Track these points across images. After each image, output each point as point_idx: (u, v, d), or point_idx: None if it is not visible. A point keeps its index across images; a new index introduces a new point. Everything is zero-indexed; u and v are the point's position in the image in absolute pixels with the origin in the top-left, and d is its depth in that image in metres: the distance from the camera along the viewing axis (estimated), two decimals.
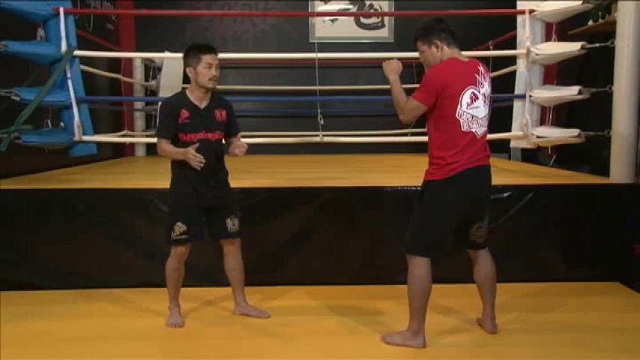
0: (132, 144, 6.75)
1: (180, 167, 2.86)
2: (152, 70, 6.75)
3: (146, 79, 6.82)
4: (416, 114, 2.61)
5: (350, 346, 2.72)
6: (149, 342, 2.78)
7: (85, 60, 4.52)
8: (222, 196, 2.96)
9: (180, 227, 2.85)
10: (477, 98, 2.56)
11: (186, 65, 2.85)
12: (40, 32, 4.05)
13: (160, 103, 2.94)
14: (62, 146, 4.22)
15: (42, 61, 4.04)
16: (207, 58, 2.80)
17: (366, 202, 3.64)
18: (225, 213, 2.97)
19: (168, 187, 2.95)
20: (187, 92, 2.89)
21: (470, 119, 2.54)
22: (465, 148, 2.54)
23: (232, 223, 2.97)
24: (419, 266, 2.60)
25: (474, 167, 2.56)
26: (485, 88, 2.61)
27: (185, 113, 2.81)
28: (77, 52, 4.09)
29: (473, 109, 2.55)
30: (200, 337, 2.84)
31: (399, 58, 2.81)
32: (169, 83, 6.24)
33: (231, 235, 2.98)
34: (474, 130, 2.56)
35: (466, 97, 2.52)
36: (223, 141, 3.00)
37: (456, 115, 2.52)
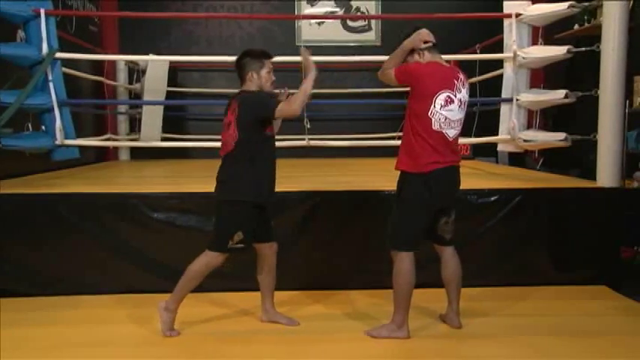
0: (115, 148, 6.66)
1: (251, 159, 2.72)
2: (136, 72, 6.68)
3: (130, 82, 6.74)
4: (386, 79, 2.85)
5: (342, 349, 2.70)
6: (139, 348, 2.72)
7: (67, 62, 4.45)
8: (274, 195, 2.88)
9: (239, 236, 2.73)
10: (452, 102, 2.72)
11: (246, 70, 2.80)
12: (20, 34, 3.99)
13: (256, 93, 2.81)
14: (44, 150, 4.14)
15: (22, 63, 3.96)
16: (269, 63, 2.83)
17: (355, 205, 3.61)
18: (269, 215, 2.90)
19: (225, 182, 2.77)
20: None
21: (442, 120, 2.70)
22: (435, 145, 2.70)
23: (273, 226, 2.94)
24: (403, 261, 2.74)
25: (446, 167, 2.74)
26: (463, 94, 2.76)
27: None
28: (59, 55, 4.03)
29: (447, 111, 2.70)
30: (195, 341, 2.78)
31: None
32: (153, 86, 6.18)
33: (273, 238, 2.93)
34: (444, 131, 2.72)
35: (440, 100, 2.69)
36: None
37: (429, 114, 2.69)
